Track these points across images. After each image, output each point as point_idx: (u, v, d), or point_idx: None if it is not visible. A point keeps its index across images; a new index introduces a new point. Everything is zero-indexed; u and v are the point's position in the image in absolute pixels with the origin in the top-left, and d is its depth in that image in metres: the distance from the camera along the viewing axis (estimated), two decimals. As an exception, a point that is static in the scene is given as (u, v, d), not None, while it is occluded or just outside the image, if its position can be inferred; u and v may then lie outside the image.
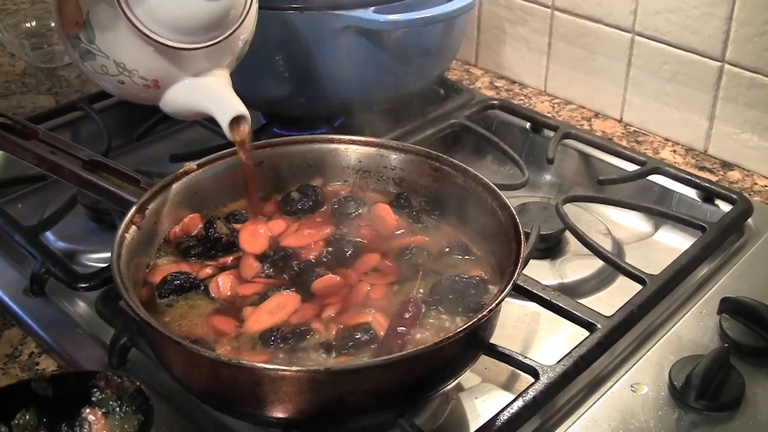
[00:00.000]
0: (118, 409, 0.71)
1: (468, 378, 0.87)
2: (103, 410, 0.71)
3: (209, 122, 1.20)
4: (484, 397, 0.86)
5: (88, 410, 0.71)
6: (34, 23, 1.49)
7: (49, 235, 1.07)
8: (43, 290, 0.95)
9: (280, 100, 1.15)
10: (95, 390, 0.71)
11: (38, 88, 1.38)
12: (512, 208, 0.84)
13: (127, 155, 1.24)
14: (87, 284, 0.91)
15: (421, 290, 0.82)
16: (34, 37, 1.47)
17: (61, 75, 1.42)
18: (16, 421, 0.69)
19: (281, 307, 0.80)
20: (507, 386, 0.87)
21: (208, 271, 0.85)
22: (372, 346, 0.75)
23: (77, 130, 1.25)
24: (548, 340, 0.93)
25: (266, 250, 0.87)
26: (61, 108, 1.26)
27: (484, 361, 0.83)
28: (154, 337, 0.75)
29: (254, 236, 0.88)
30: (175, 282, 0.82)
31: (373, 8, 1.05)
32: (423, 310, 0.79)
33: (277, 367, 0.69)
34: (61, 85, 1.39)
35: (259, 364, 0.69)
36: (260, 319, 0.79)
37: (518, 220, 0.82)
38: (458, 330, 0.70)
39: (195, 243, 0.87)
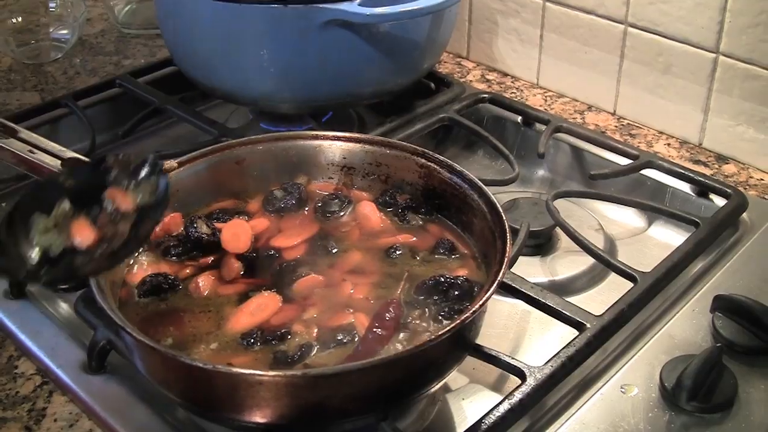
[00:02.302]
0: (133, 182, 0.78)
1: (455, 379, 0.85)
2: (121, 186, 0.78)
3: (196, 118, 1.19)
4: (471, 398, 0.84)
5: (109, 190, 0.77)
6: (20, 19, 1.47)
7: (33, 235, 1.05)
8: (23, 292, 0.93)
9: (266, 96, 1.13)
10: (109, 172, 0.78)
11: (24, 85, 1.36)
12: (499, 206, 0.81)
13: (112, 152, 1.21)
14: (67, 286, 0.90)
15: (406, 290, 0.80)
16: (20, 33, 1.45)
17: (47, 71, 1.40)
18: (56, 212, 0.75)
19: (262, 308, 0.78)
20: (495, 387, 0.85)
21: (188, 271, 0.84)
22: (351, 347, 0.74)
23: (62, 128, 1.23)
24: (539, 339, 0.91)
25: (248, 249, 0.85)
26: (46, 105, 1.25)
27: (473, 361, 0.82)
28: (130, 341, 0.73)
29: (236, 236, 0.86)
30: (154, 283, 0.80)
31: (358, 1, 1.02)
32: (405, 312, 0.77)
33: (254, 371, 0.67)
34: (47, 82, 1.37)
35: (235, 369, 0.67)
36: (240, 320, 0.77)
37: (505, 218, 0.80)
38: (442, 332, 0.68)
39: (175, 243, 0.85)
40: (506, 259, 0.75)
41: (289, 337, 0.75)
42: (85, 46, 1.49)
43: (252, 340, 0.75)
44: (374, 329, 0.75)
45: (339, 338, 0.75)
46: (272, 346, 0.74)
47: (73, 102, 1.23)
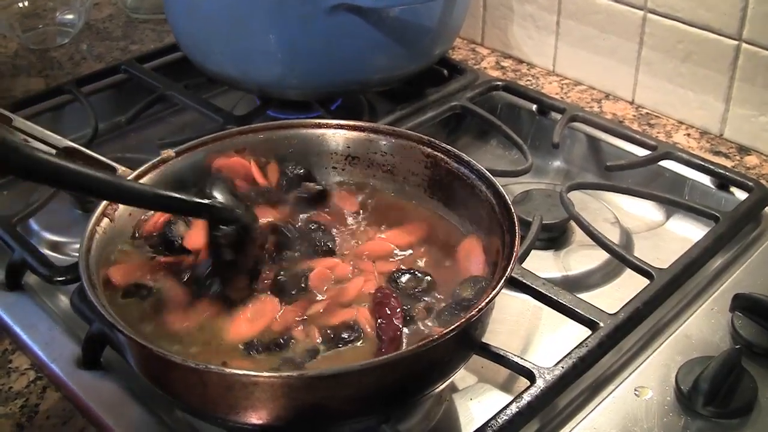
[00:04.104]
0: None
1: (463, 378, 0.82)
2: None
3: (201, 106, 1.17)
4: (479, 398, 0.81)
5: None
6: (26, 3, 1.45)
7: (33, 225, 1.03)
8: (19, 283, 0.91)
9: (274, 82, 1.10)
10: None
11: (29, 71, 1.34)
12: (507, 198, 0.78)
13: (115, 140, 1.20)
14: (63, 278, 0.88)
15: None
16: (26, 18, 1.43)
17: (53, 57, 1.38)
18: None
19: (260, 314, 0.75)
20: (505, 387, 0.82)
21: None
22: (359, 344, 0.72)
23: (65, 115, 1.21)
24: (550, 337, 0.88)
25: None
26: (49, 91, 1.23)
27: (481, 359, 0.79)
28: (122, 338, 0.70)
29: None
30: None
31: (366, -15, 0.99)
32: (409, 306, 0.75)
33: (248, 372, 0.64)
34: (53, 68, 1.35)
35: (228, 370, 0.64)
36: (240, 328, 0.74)
37: (513, 211, 0.76)
38: (446, 330, 0.65)
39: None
40: (515, 255, 0.72)
41: (292, 342, 0.72)
42: (92, 31, 1.46)
43: (254, 351, 0.72)
44: (383, 319, 0.72)
45: (344, 337, 0.72)
46: (276, 353, 0.71)
47: (77, 88, 1.21)
